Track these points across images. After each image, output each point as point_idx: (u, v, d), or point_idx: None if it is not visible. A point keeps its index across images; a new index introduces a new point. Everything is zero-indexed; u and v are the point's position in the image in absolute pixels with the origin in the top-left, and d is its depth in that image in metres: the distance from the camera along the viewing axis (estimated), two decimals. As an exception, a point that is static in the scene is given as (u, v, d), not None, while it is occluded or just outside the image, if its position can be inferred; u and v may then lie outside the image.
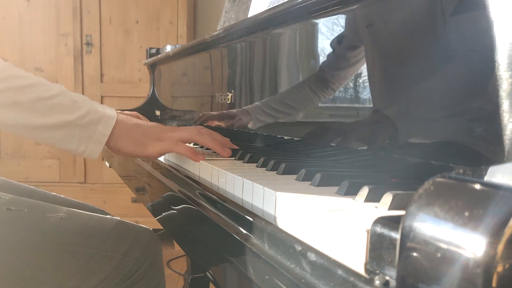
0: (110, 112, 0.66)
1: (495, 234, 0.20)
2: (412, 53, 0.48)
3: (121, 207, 2.27)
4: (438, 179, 0.24)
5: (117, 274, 0.76)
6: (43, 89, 0.61)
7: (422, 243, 0.22)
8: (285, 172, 0.54)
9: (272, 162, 0.57)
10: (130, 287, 0.78)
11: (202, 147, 0.87)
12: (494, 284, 0.19)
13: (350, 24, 0.57)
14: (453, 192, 0.22)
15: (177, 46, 1.34)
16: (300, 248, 0.34)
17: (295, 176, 0.51)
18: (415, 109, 0.47)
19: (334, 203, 0.38)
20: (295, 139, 0.70)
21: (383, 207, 0.35)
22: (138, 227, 0.84)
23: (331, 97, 0.60)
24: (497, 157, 0.36)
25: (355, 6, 0.55)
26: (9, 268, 0.67)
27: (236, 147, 0.74)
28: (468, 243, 0.20)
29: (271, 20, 0.71)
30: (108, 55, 2.29)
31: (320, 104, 0.63)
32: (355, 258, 0.29)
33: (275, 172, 0.55)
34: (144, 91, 2.01)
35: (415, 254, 0.22)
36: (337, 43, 0.59)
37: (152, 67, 1.50)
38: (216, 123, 0.96)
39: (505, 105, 0.36)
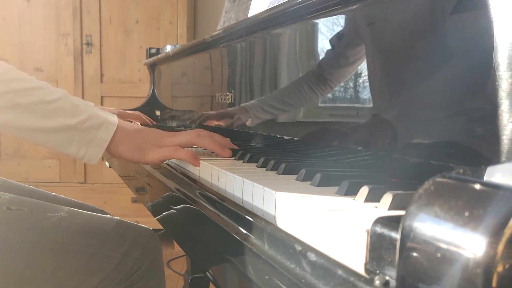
0: (111, 118, 0.66)
1: (495, 234, 0.20)
2: (412, 53, 0.48)
3: (121, 207, 2.27)
4: (438, 179, 0.24)
5: (117, 273, 0.76)
6: (45, 92, 0.62)
7: (422, 243, 0.22)
8: (285, 172, 0.54)
9: (272, 162, 0.57)
10: (130, 286, 0.78)
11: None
12: (494, 284, 0.19)
13: (350, 24, 0.57)
14: (453, 192, 0.23)
15: (177, 46, 1.34)
16: (300, 248, 0.34)
17: (295, 176, 0.51)
18: (415, 109, 0.47)
19: (334, 203, 0.38)
20: (295, 139, 0.70)
21: (383, 207, 0.35)
22: (138, 227, 0.84)
23: (329, 95, 0.60)
24: (497, 157, 0.36)
25: (355, 6, 0.55)
26: (9, 268, 0.67)
27: (236, 147, 0.74)
28: (468, 243, 0.20)
29: (271, 20, 0.71)
30: (108, 55, 2.29)
31: (320, 104, 0.63)
32: (355, 258, 0.29)
33: (275, 172, 0.55)
34: (144, 91, 2.01)
35: (415, 254, 0.22)
36: (336, 40, 0.59)
37: (152, 67, 1.50)
38: (214, 122, 0.96)
39: (505, 105, 0.36)
